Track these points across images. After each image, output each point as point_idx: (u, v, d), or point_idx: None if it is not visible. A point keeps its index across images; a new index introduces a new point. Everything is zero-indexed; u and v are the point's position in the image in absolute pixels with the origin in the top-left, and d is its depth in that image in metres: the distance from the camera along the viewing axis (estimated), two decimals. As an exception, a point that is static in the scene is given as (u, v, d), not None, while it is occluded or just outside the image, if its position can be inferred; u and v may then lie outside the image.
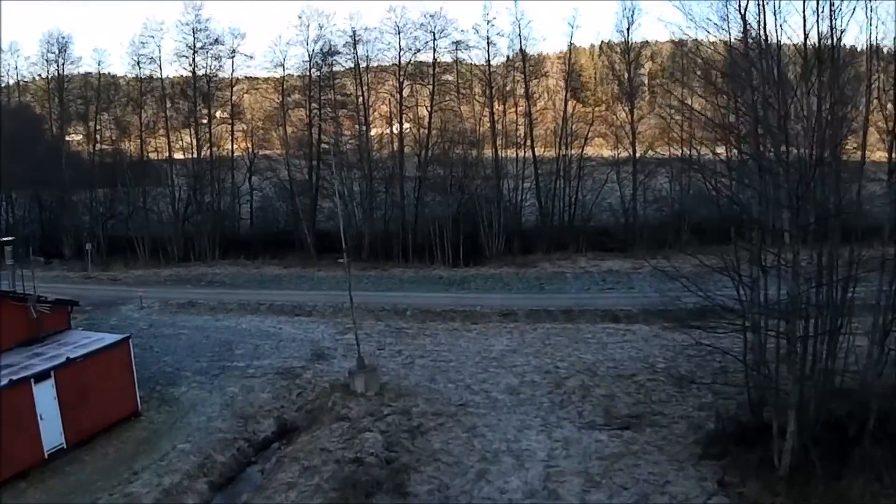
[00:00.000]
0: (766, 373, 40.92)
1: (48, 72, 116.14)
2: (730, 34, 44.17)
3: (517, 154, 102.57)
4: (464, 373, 55.42)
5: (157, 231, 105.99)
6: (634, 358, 57.14)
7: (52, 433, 43.26)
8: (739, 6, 41.51)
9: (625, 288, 79.62)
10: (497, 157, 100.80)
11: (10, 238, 56.64)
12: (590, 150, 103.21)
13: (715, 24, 43.88)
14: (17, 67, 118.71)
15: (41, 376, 43.01)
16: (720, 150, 55.61)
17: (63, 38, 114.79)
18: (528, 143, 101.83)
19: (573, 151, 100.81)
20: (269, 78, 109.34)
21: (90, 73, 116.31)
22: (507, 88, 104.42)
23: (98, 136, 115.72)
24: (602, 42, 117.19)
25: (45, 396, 43.04)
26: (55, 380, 43.55)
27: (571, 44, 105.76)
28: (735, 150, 51.42)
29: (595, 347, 60.32)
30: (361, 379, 52.03)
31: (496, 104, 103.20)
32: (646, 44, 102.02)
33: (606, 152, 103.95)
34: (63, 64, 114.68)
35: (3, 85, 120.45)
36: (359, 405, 49.64)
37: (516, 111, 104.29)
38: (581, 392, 50.81)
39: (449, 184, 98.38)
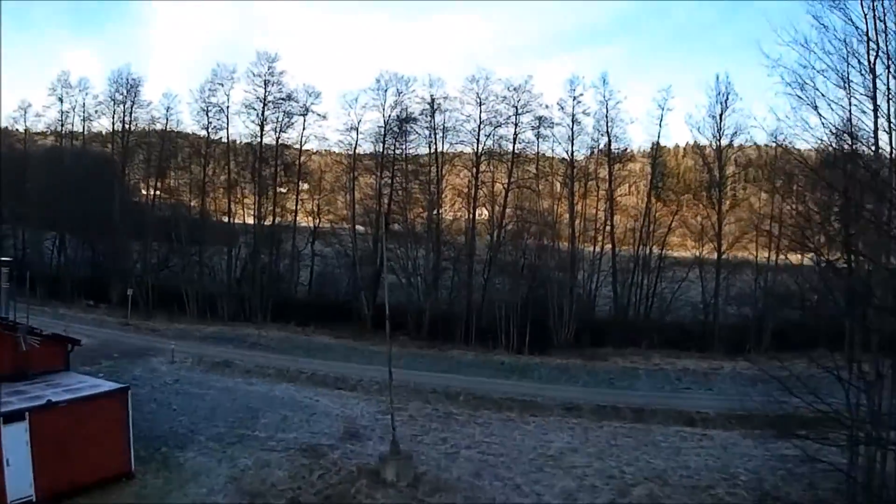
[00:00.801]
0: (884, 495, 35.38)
1: (114, 113, 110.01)
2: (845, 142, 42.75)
3: (594, 247, 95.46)
4: (514, 470, 46.62)
5: (210, 288, 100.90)
6: (711, 467, 48.64)
7: (19, 482, 36.93)
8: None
9: (702, 389, 71.47)
10: (573, 241, 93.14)
11: (7, 259, 48.59)
12: (670, 250, 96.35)
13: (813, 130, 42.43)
14: (84, 105, 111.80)
15: (13, 416, 36.59)
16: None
17: (134, 79, 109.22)
18: (608, 228, 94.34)
19: (654, 249, 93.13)
20: (340, 141, 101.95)
21: (157, 117, 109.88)
22: (590, 170, 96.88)
23: (159, 186, 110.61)
24: (688, 143, 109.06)
25: (16, 440, 36.65)
26: (30, 423, 37.17)
27: (657, 141, 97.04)
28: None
29: (667, 452, 51.88)
30: (393, 467, 43.49)
31: (577, 186, 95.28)
32: (730, 146, 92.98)
33: (686, 253, 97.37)
34: (132, 106, 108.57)
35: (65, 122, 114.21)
36: (386, 497, 41.31)
37: (597, 196, 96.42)
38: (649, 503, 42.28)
39: (521, 266, 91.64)
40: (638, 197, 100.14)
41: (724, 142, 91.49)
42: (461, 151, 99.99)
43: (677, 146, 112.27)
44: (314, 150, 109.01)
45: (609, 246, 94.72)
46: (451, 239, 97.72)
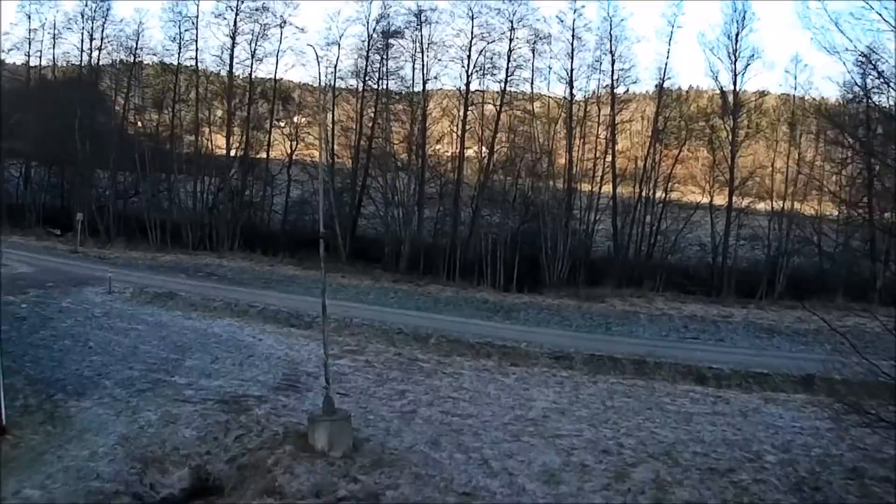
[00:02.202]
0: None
1: (84, 30, 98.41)
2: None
3: (591, 185, 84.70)
4: (484, 438, 35.39)
5: (178, 218, 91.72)
6: (731, 442, 37.02)
7: None
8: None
9: (712, 339, 60.52)
10: (570, 170, 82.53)
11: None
12: (675, 192, 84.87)
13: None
14: (55, 23, 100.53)
15: None
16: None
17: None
18: (608, 158, 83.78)
19: (657, 189, 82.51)
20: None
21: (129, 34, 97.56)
22: (591, 91, 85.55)
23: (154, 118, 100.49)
24: (694, 88, 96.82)
25: None
26: None
27: (665, 63, 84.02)
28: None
29: (675, 419, 40.43)
30: (324, 431, 32.08)
31: (576, 109, 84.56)
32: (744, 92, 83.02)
33: (693, 196, 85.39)
34: (104, 23, 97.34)
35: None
36: (309, 472, 30.01)
37: (598, 121, 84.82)
38: (654, 492, 30.64)
39: (513, 197, 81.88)
40: (643, 128, 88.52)
41: (741, 65, 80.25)
42: (450, 69, 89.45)
43: (689, 88, 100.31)
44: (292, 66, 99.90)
45: (607, 186, 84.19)
46: (436, 165, 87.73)
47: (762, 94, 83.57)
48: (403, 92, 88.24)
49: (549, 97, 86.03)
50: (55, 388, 37.60)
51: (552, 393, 43.75)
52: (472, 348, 52.47)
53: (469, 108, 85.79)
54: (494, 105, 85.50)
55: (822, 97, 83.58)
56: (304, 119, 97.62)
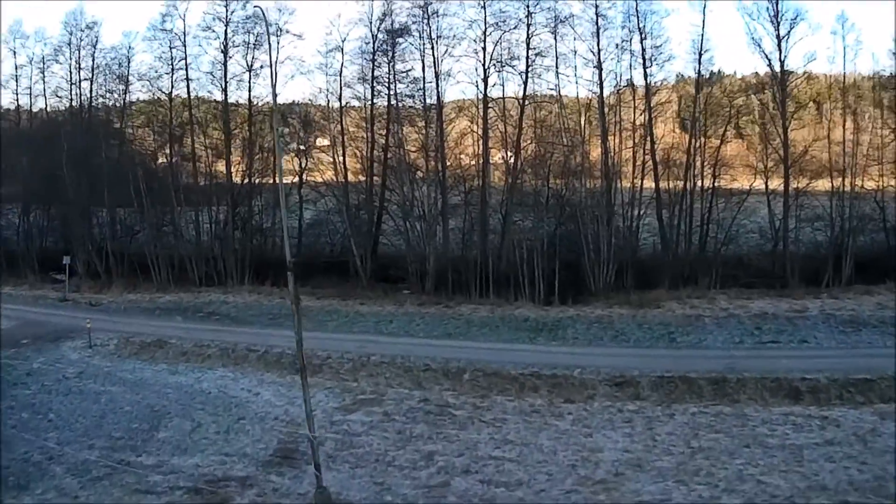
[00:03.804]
0: None
1: (71, 60, 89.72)
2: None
3: (632, 175, 72.97)
4: None
5: (182, 252, 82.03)
6: (861, 485, 27.91)
7: None
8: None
9: (793, 341, 49.58)
10: (606, 160, 71.42)
11: None
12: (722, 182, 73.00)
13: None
14: (43, 58, 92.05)
15: None
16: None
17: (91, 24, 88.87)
18: (647, 146, 72.39)
19: (703, 178, 71.52)
20: (322, 64, 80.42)
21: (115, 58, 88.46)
22: (620, 75, 73.99)
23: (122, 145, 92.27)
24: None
25: None
26: None
27: (701, 36, 72.35)
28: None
29: (782, 457, 31.09)
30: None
31: (607, 94, 73.54)
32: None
33: (740, 183, 73.91)
34: (94, 52, 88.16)
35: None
36: None
37: (633, 106, 73.57)
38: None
39: (545, 197, 70.75)
40: (682, 109, 77.83)
41: (784, 29, 69.52)
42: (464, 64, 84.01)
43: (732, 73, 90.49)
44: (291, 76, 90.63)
45: (648, 179, 73.12)
46: (458, 171, 76.45)
47: (810, 59, 73.43)
48: (416, 94, 78.30)
49: (577, 84, 76.00)
50: (-6, 478, 29.35)
51: (621, 437, 33.96)
52: (514, 382, 42.55)
53: (489, 105, 75.80)
54: (517, 98, 75.26)
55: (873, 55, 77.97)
56: (311, 136, 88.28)
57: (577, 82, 75.04)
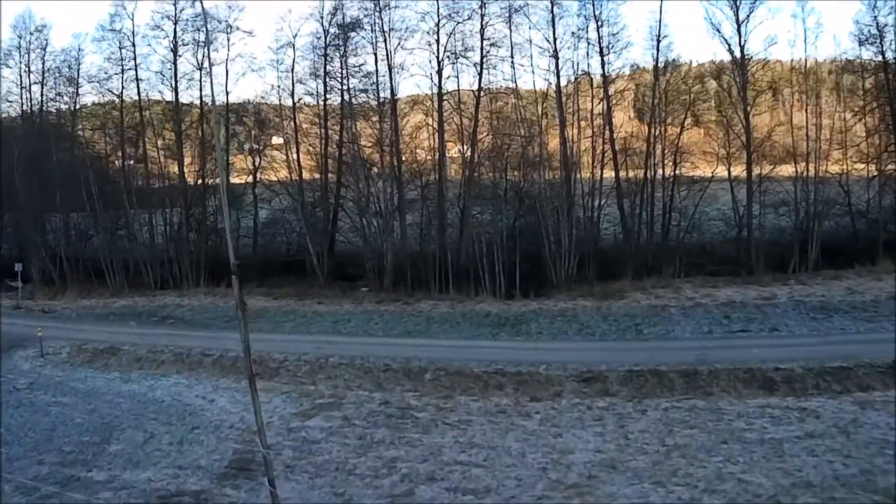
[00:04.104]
0: None
1: (21, 64, 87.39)
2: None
3: (591, 166, 71.56)
4: None
5: (138, 256, 80.00)
6: (847, 480, 26.58)
7: None
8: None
9: (764, 330, 47.96)
10: (565, 150, 69.83)
11: None
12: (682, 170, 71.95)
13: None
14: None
15: None
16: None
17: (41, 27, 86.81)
18: (606, 134, 70.64)
19: (664, 167, 70.37)
20: (274, 61, 78.60)
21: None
22: (579, 68, 72.11)
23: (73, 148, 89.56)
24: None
25: None
26: None
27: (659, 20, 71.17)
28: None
29: (762, 453, 29.61)
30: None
31: (563, 83, 71.83)
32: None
33: (702, 170, 72.66)
34: (44, 55, 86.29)
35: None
36: None
37: (591, 94, 71.73)
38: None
39: (504, 189, 69.01)
40: (640, 96, 76.55)
41: (743, 13, 68.01)
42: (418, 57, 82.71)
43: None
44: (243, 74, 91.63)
45: (608, 169, 71.50)
46: (414, 165, 75.40)
47: (771, 42, 72.32)
48: (369, 88, 76.33)
49: (533, 74, 75.36)
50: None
51: (592, 436, 32.39)
52: (478, 381, 40.77)
53: (445, 97, 74.07)
54: (472, 90, 73.76)
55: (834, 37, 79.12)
56: (266, 135, 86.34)
57: (533, 72, 75.47)
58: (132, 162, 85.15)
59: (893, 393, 34.93)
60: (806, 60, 69.26)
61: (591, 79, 71.20)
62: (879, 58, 65.70)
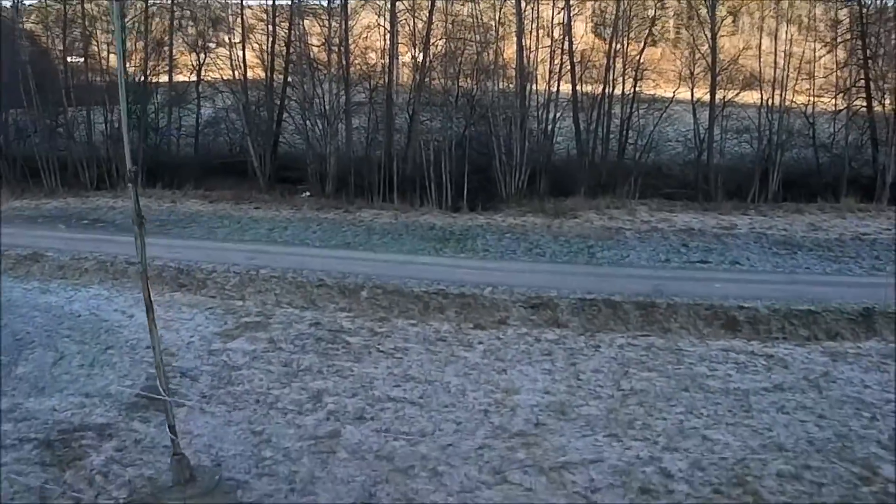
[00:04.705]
0: None
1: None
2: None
3: (548, 80, 67.42)
4: (450, 484, 21.73)
5: (75, 155, 74.97)
6: (822, 445, 23.92)
7: None
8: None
9: (725, 262, 44.77)
10: (521, 59, 65.74)
11: None
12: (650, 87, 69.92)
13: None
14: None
15: None
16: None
17: None
18: (566, 41, 66.47)
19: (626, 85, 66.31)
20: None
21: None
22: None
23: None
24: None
25: None
26: None
27: None
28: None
29: (727, 405, 26.92)
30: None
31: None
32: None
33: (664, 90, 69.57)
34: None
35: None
36: None
37: (553, 4, 67.50)
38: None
39: (455, 96, 65.10)
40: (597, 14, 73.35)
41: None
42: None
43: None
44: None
45: (566, 83, 67.44)
46: (364, 67, 70.44)
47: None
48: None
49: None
50: None
51: (540, 374, 29.43)
52: (418, 302, 37.68)
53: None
54: (426, -9, 70.48)
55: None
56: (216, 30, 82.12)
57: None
58: (73, 57, 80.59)
59: (866, 345, 32.45)
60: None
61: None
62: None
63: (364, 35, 71.36)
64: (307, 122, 67.00)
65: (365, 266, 42.68)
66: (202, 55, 76.85)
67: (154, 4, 76.95)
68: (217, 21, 79.67)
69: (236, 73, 71.78)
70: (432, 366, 30.07)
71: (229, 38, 75.84)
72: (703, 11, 65.78)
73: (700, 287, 38.62)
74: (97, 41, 78.86)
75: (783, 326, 34.66)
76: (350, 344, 32.33)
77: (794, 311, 35.01)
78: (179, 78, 79.70)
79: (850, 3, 64.21)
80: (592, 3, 72.17)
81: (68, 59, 79.41)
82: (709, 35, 64.30)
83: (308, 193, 62.84)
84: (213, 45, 79.08)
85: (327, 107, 66.49)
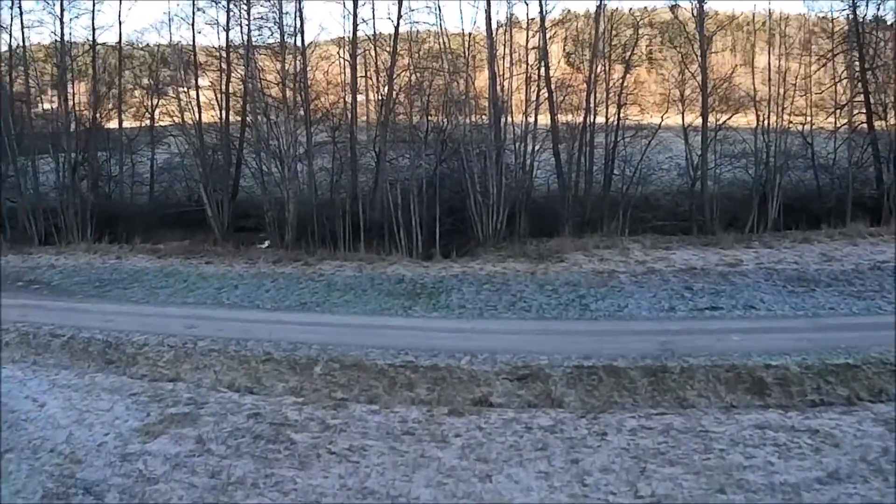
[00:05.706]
0: None
1: None
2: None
3: (525, 112, 61.61)
4: None
5: (22, 206, 69.52)
6: None
7: None
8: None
9: (737, 306, 38.33)
10: (494, 87, 59.92)
11: None
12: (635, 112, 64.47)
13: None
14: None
15: None
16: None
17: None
18: (541, 72, 61.35)
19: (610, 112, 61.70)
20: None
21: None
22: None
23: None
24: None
25: None
26: None
27: None
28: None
29: None
30: None
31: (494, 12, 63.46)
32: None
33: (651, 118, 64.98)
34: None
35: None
36: None
37: (527, 28, 63.85)
38: None
39: (424, 131, 60.08)
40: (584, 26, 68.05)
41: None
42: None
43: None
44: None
45: (544, 114, 62.45)
46: (322, 100, 65.82)
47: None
48: (272, 15, 65.39)
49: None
50: None
51: (534, 480, 22.29)
52: (382, 377, 30.84)
53: (358, 25, 63.88)
54: (389, 18, 64.96)
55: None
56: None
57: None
58: (15, 100, 73.80)
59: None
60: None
61: (527, 4, 63.66)
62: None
63: (324, 68, 66.91)
64: (262, 165, 61.57)
65: (321, 333, 36.10)
66: (153, 98, 71.80)
67: (102, 45, 72.17)
68: (168, 62, 74.33)
69: (190, 115, 66.94)
70: (397, 472, 22.92)
71: (182, 78, 70.78)
72: (692, 27, 61.80)
73: (715, 341, 32.04)
74: (38, 84, 75.43)
75: (818, 387, 28.20)
76: (295, 444, 25.09)
77: (830, 366, 28.54)
78: (131, 123, 74.05)
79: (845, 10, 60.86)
80: (566, 26, 68.17)
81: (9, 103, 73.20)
82: (698, 53, 60.20)
83: (268, 243, 57.75)
84: (164, 87, 73.40)
85: (284, 147, 60.68)
